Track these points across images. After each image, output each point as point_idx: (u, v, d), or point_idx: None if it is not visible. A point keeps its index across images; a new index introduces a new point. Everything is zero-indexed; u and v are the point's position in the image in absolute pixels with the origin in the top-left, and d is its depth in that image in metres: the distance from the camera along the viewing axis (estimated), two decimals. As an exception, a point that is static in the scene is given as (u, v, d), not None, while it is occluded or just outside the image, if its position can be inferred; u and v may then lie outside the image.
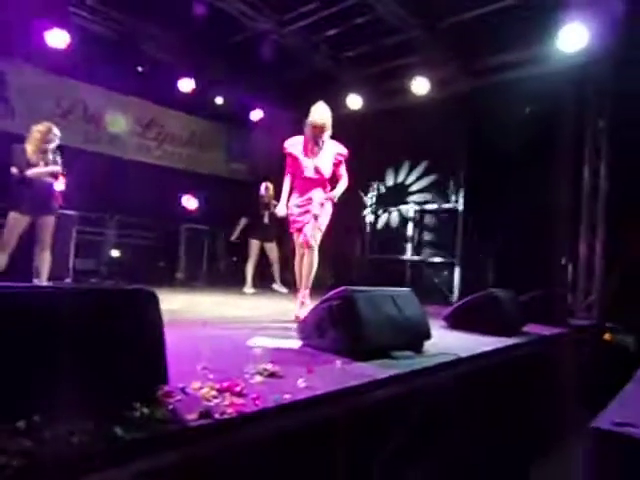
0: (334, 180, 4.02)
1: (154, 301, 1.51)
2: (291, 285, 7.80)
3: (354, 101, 7.47)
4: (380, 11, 5.84)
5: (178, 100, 7.15)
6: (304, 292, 3.96)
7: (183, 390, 1.64)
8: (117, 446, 1.20)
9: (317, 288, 7.71)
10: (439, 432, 2.54)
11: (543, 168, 5.78)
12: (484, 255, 6.60)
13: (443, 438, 2.55)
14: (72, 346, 1.32)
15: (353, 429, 1.94)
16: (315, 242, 3.87)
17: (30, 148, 4.24)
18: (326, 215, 3.95)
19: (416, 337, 2.77)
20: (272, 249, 6.69)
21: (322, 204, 3.89)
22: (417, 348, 2.73)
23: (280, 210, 4.02)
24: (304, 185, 3.91)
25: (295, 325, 3.07)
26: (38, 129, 4.31)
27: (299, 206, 3.92)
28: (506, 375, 3.34)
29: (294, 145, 3.96)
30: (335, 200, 3.98)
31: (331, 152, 3.93)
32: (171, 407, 1.48)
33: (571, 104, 5.84)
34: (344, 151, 4.01)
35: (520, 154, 5.94)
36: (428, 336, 2.85)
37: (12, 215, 4.16)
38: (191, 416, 1.40)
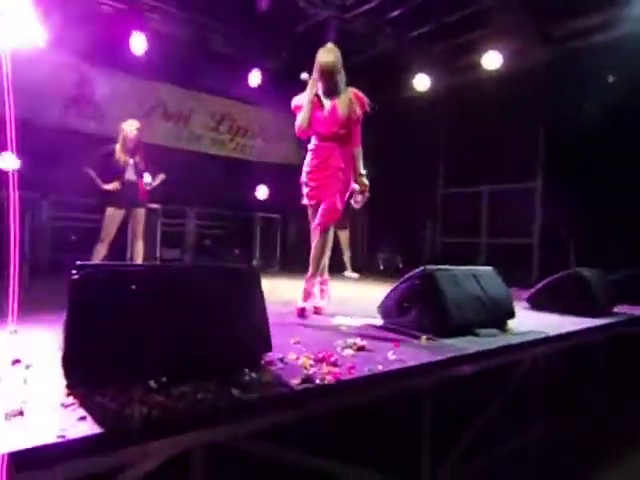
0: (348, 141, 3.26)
1: (258, 276, 1.64)
2: (361, 271, 7.90)
3: (422, 82, 7.33)
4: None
5: (248, 94, 7.39)
6: (322, 278, 3.40)
7: (282, 360, 1.77)
8: (236, 404, 1.34)
9: (386, 272, 7.71)
10: (527, 408, 2.52)
11: (630, 139, 5.38)
12: (566, 235, 6.27)
13: (531, 414, 2.53)
14: (194, 315, 1.48)
15: (440, 401, 1.99)
16: (332, 223, 3.25)
17: (118, 146, 4.59)
18: (346, 185, 3.29)
19: (500, 315, 2.73)
20: (344, 235, 6.78)
21: (341, 171, 3.21)
22: (501, 326, 2.69)
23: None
24: (318, 145, 3.25)
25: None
26: (126, 127, 4.63)
27: (312, 172, 3.25)
28: (596, 355, 3.22)
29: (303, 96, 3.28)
30: (366, 186, 3.36)
31: (348, 102, 3.19)
32: (275, 373, 1.61)
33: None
34: (365, 102, 3.25)
35: (603, 126, 5.56)
36: (512, 314, 2.81)
37: (109, 210, 4.56)
38: (294, 381, 1.52)
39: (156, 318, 1.46)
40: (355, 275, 6.80)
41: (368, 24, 6.76)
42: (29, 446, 1.00)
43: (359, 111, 3.20)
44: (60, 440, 1.04)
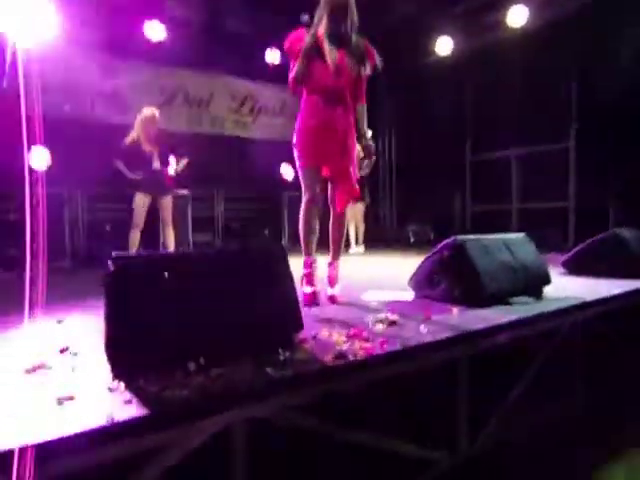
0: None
1: (285, 256, 1.67)
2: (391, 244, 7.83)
3: (444, 45, 7.09)
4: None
5: (268, 73, 7.33)
6: (335, 262, 2.85)
7: (314, 337, 1.81)
8: (271, 382, 1.38)
9: (417, 244, 7.64)
10: (567, 374, 2.49)
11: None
12: (602, 197, 6.03)
13: (572, 380, 2.50)
14: (227, 299, 1.52)
15: (475, 372, 1.99)
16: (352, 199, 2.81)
17: (140, 136, 4.61)
18: (355, 150, 2.75)
19: (534, 282, 2.68)
20: (359, 208, 6.71)
21: (350, 135, 2.68)
22: (536, 294, 2.65)
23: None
24: (317, 103, 2.62)
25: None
26: (145, 115, 4.64)
27: (312, 135, 2.63)
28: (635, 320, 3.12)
29: (301, 39, 2.60)
30: (372, 149, 2.79)
31: (360, 54, 2.64)
32: (308, 351, 1.65)
33: None
34: (376, 57, 2.72)
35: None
36: (547, 281, 2.76)
37: (137, 196, 4.65)
38: (328, 357, 1.55)
39: (190, 303, 1.51)
40: (361, 249, 6.73)
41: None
42: (80, 429, 1.06)
43: (369, 66, 2.69)
44: (109, 423, 1.11)
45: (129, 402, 1.23)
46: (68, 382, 1.41)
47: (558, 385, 2.49)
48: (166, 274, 1.49)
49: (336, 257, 2.85)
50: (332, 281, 2.78)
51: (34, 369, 1.53)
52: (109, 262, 1.53)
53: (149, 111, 4.65)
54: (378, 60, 2.72)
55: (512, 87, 6.80)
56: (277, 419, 1.43)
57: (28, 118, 2.33)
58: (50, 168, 4.09)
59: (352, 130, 2.71)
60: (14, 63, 2.31)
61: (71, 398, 1.26)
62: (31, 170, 2.34)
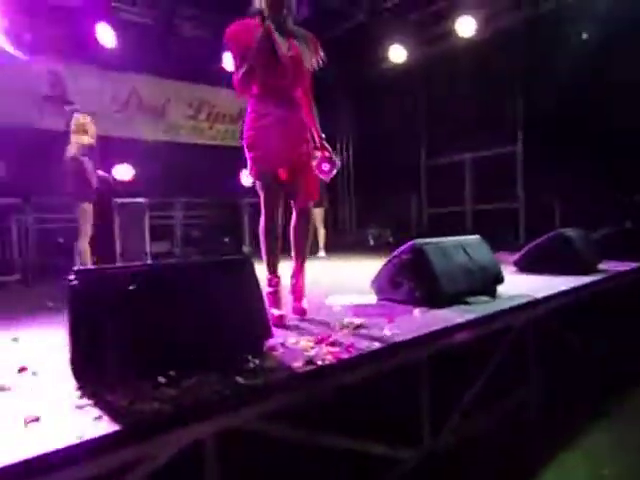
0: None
1: (251, 265, 1.68)
2: (353, 247, 7.93)
3: (398, 53, 7.29)
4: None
5: (224, 78, 7.29)
6: (301, 274, 2.59)
7: (283, 344, 1.83)
8: (241, 391, 1.40)
9: (377, 247, 7.77)
10: (521, 372, 2.63)
11: (606, 93, 5.44)
12: (548, 197, 6.38)
13: (525, 376, 2.64)
14: (194, 310, 1.52)
15: (437, 371, 2.08)
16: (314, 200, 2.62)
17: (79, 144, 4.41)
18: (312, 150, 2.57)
19: (489, 282, 2.82)
20: (319, 213, 6.76)
21: (306, 132, 2.51)
22: (491, 293, 2.78)
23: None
24: (267, 99, 2.38)
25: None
26: (81, 123, 4.46)
27: (263, 133, 2.38)
28: (586, 313, 3.33)
29: (246, 30, 2.30)
30: (331, 153, 2.59)
31: (309, 45, 2.44)
32: (277, 358, 1.67)
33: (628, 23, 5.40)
34: (320, 50, 2.50)
35: (580, 84, 5.62)
36: (501, 280, 2.90)
37: (81, 206, 4.42)
38: (297, 364, 1.58)
39: (156, 316, 1.50)
40: (322, 254, 6.80)
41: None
42: (49, 450, 1.04)
43: (318, 59, 2.48)
44: (80, 441, 1.09)
45: (99, 418, 1.21)
46: (31, 402, 1.37)
47: (514, 380, 2.62)
48: (131, 287, 1.48)
49: (301, 267, 2.58)
50: (299, 294, 2.55)
51: (-8, 391, 1.47)
52: (71, 276, 1.50)
53: (84, 118, 4.50)
54: (321, 56, 2.50)
55: (463, 94, 7.08)
56: (248, 428, 1.44)
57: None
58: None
59: (306, 127, 2.52)
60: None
61: (37, 419, 1.22)
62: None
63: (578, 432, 2.35)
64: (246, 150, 2.48)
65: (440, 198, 8.02)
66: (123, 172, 4.76)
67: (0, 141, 5.33)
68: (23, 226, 5.76)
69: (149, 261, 6.22)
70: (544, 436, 2.35)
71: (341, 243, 8.42)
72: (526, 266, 3.86)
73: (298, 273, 2.57)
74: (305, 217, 2.55)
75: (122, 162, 4.77)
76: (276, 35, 2.31)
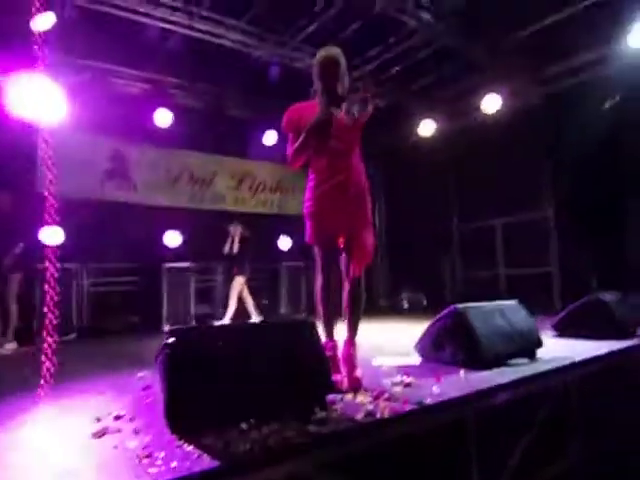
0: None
1: (314, 327, 1.94)
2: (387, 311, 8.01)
3: (427, 127, 7.79)
4: (440, 42, 6.21)
5: (265, 152, 7.91)
6: (353, 340, 2.53)
7: (342, 399, 2.03)
8: (314, 438, 1.60)
9: (412, 311, 7.85)
10: (564, 433, 2.69)
11: (629, 162, 5.68)
12: (584, 261, 6.46)
13: (568, 438, 2.69)
14: (269, 365, 1.77)
15: (483, 428, 2.20)
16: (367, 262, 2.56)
17: None
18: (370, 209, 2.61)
19: (528, 345, 2.96)
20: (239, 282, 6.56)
21: (364, 189, 2.57)
22: (531, 355, 2.91)
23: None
24: (329, 164, 2.49)
25: None
26: None
27: (327, 198, 2.48)
28: (623, 377, 3.37)
29: (304, 108, 2.54)
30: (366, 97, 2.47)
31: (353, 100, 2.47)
32: (339, 411, 1.87)
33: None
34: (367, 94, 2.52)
35: (608, 149, 5.90)
36: (540, 344, 3.03)
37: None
38: (359, 415, 1.78)
39: (239, 370, 1.75)
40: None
41: (372, 82, 7.32)
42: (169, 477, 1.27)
43: (364, 116, 2.51)
44: (189, 473, 1.31)
45: (200, 457, 1.44)
46: (137, 442, 1.60)
47: (558, 442, 2.68)
48: (220, 343, 1.74)
49: (353, 334, 2.51)
50: (352, 364, 2.41)
51: (100, 434, 1.72)
52: (167, 334, 1.78)
53: None
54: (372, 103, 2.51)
55: (492, 163, 7.43)
56: (319, 473, 1.62)
57: (44, 197, 2.54)
58: (62, 245, 4.35)
59: (365, 191, 2.58)
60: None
61: (149, 455, 1.46)
62: (45, 247, 2.52)
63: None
64: (306, 217, 2.59)
65: (473, 262, 8.16)
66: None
67: (65, 211, 5.90)
68: (80, 289, 6.21)
69: (193, 323, 6.52)
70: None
71: (375, 307, 8.57)
72: (564, 330, 3.93)
73: (350, 342, 2.50)
74: (359, 283, 2.53)
75: (170, 229, 5.01)
76: (333, 109, 2.44)
